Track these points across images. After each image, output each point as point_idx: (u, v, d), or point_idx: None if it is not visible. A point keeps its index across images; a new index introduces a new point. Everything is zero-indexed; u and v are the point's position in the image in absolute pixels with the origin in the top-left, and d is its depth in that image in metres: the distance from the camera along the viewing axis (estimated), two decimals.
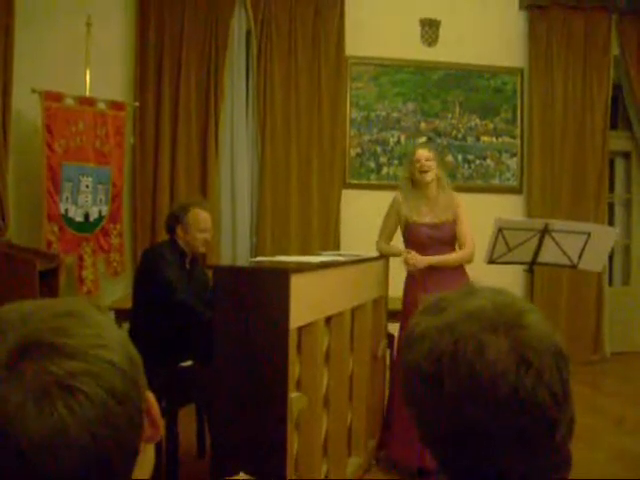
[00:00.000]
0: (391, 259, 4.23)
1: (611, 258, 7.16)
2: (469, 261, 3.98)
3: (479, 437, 0.84)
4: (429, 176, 3.93)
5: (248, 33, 6.07)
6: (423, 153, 3.96)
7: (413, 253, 3.88)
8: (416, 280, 3.92)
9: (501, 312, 0.87)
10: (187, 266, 3.71)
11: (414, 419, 0.92)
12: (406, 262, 3.90)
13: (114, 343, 0.72)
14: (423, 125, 6.51)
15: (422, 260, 3.87)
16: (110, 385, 0.68)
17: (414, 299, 3.90)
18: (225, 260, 5.92)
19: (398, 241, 4.15)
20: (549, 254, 3.93)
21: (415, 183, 3.99)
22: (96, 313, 0.75)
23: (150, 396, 0.78)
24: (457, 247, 4.01)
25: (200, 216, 3.65)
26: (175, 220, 3.66)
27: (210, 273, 3.43)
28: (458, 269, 3.95)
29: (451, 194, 4.02)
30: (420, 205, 3.97)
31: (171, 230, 3.69)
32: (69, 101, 5.15)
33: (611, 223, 7.16)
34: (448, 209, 3.97)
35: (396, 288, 4.24)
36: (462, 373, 0.84)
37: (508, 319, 0.86)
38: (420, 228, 3.94)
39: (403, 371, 0.92)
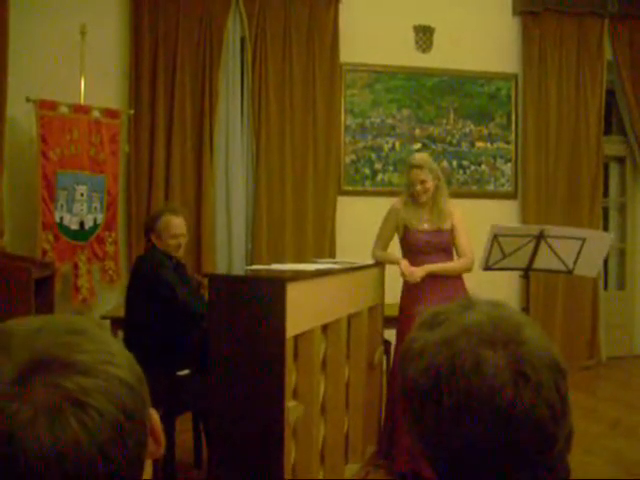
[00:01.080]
0: (387, 266, 4.23)
1: (606, 262, 7.17)
2: (469, 270, 4.00)
3: (477, 452, 0.84)
4: (423, 198, 3.94)
5: (243, 40, 6.07)
6: (418, 176, 3.90)
7: (411, 267, 3.88)
8: (413, 290, 3.92)
9: (498, 327, 0.87)
10: (176, 270, 3.73)
11: (413, 434, 0.91)
12: (403, 276, 3.91)
13: (122, 360, 0.72)
14: (418, 131, 6.52)
15: (420, 270, 3.87)
16: (120, 402, 0.68)
17: (411, 310, 3.89)
18: (221, 268, 5.91)
19: (395, 249, 4.16)
20: (545, 260, 3.94)
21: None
22: (101, 330, 0.75)
23: (153, 412, 0.78)
24: (455, 257, 4.02)
25: (171, 222, 3.69)
26: (149, 229, 3.73)
27: (206, 282, 3.43)
28: (456, 278, 3.97)
29: (448, 202, 4.03)
30: (419, 212, 3.99)
31: (148, 239, 3.74)
32: (64, 109, 5.14)
33: (606, 228, 7.18)
34: (445, 216, 3.98)
35: (392, 295, 4.25)
36: (460, 388, 0.83)
37: (505, 334, 0.86)
38: (418, 234, 3.97)
39: (401, 387, 0.92)
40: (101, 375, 0.68)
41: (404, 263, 3.91)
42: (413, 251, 3.97)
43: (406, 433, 3.42)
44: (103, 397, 0.67)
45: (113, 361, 0.70)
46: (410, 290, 3.96)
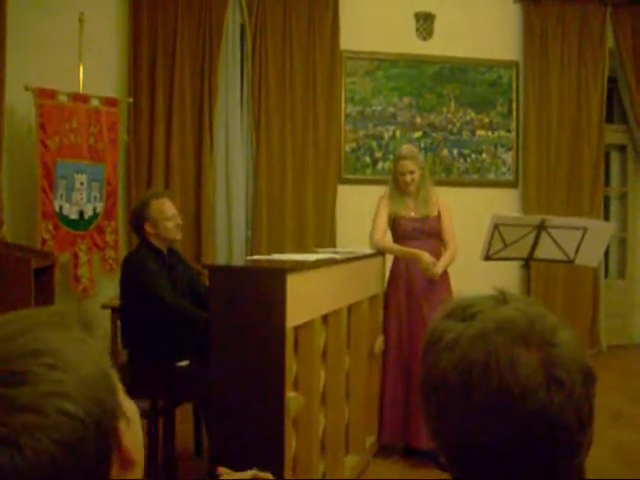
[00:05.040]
0: (388, 256, 4.24)
1: (607, 251, 7.14)
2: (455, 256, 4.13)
3: (499, 452, 0.82)
4: (411, 188, 4.09)
5: (242, 27, 6.03)
6: (407, 166, 4.06)
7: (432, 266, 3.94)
8: (401, 278, 4.07)
9: (534, 326, 0.85)
10: (167, 262, 3.65)
11: (431, 424, 0.90)
12: (425, 270, 3.92)
13: (76, 385, 0.67)
14: (418, 120, 6.49)
15: (437, 274, 3.95)
16: (62, 437, 0.64)
17: (396, 296, 4.09)
18: (220, 257, 5.90)
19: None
20: (546, 250, 3.93)
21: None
22: (66, 339, 0.70)
23: (125, 429, 0.74)
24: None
25: (163, 205, 3.59)
26: (140, 219, 3.58)
27: (206, 272, 3.41)
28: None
29: (432, 189, 4.17)
30: (405, 201, 4.13)
31: (140, 230, 3.61)
32: (62, 98, 5.11)
33: (607, 216, 7.16)
34: (432, 204, 4.12)
35: None
36: (492, 386, 0.82)
37: (541, 334, 0.85)
38: (407, 222, 4.10)
39: (425, 377, 0.90)
40: (44, 409, 0.64)
41: (427, 255, 3.94)
42: (404, 237, 4.10)
43: (391, 406, 3.56)
44: (43, 435, 0.63)
45: (63, 391, 0.66)
46: (398, 275, 4.10)
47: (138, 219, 3.59)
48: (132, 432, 0.75)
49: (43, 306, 0.80)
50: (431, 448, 3.86)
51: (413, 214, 4.09)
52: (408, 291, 4.05)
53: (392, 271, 4.14)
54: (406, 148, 4.28)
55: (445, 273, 4.07)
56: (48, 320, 0.72)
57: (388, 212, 4.14)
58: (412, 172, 4.05)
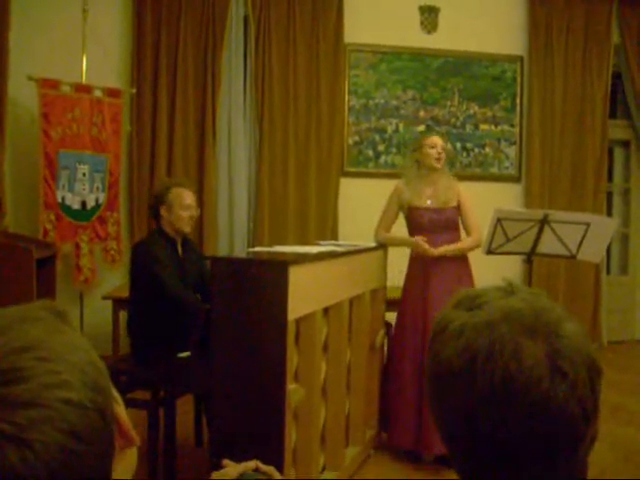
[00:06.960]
0: (390, 249, 4.21)
1: (609, 247, 7.12)
2: (477, 246, 4.00)
3: (500, 442, 0.82)
4: (439, 164, 4.00)
5: (246, 19, 6.01)
6: (439, 141, 4.02)
7: (426, 245, 3.87)
8: (419, 270, 3.95)
9: (540, 317, 0.85)
10: (180, 252, 3.66)
11: (435, 414, 0.90)
12: (417, 249, 3.88)
13: (71, 373, 0.67)
14: (422, 113, 6.47)
15: (434, 251, 3.86)
16: (69, 426, 0.64)
17: (415, 290, 3.95)
18: (222, 249, 5.91)
19: (398, 230, 4.16)
20: (548, 245, 3.92)
21: (421, 168, 4.03)
22: (46, 331, 0.70)
23: (118, 408, 0.75)
24: (463, 234, 4.06)
25: (183, 194, 3.63)
26: (157, 201, 3.62)
27: (208, 264, 3.41)
28: (462, 259, 4.00)
29: (452, 180, 4.08)
30: (423, 189, 4.01)
31: (155, 213, 3.64)
32: (65, 88, 5.11)
33: (609, 212, 7.14)
34: (452, 193, 4.01)
35: (395, 278, 4.24)
36: (495, 374, 0.82)
37: (546, 325, 0.84)
38: (422, 212, 3.98)
39: (431, 366, 0.90)
40: (45, 402, 0.63)
41: (421, 238, 3.89)
42: (418, 229, 3.97)
43: (405, 411, 3.47)
44: (48, 427, 0.63)
45: (61, 381, 0.65)
46: (416, 270, 3.97)
47: (155, 201, 3.64)
48: (123, 412, 0.76)
49: (45, 296, 0.79)
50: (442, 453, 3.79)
51: (429, 202, 3.97)
52: (425, 285, 3.92)
53: (410, 264, 4.05)
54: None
55: (465, 267, 3.98)
56: (22, 316, 0.71)
57: (400, 203, 4.03)
58: (443, 147, 4.01)
